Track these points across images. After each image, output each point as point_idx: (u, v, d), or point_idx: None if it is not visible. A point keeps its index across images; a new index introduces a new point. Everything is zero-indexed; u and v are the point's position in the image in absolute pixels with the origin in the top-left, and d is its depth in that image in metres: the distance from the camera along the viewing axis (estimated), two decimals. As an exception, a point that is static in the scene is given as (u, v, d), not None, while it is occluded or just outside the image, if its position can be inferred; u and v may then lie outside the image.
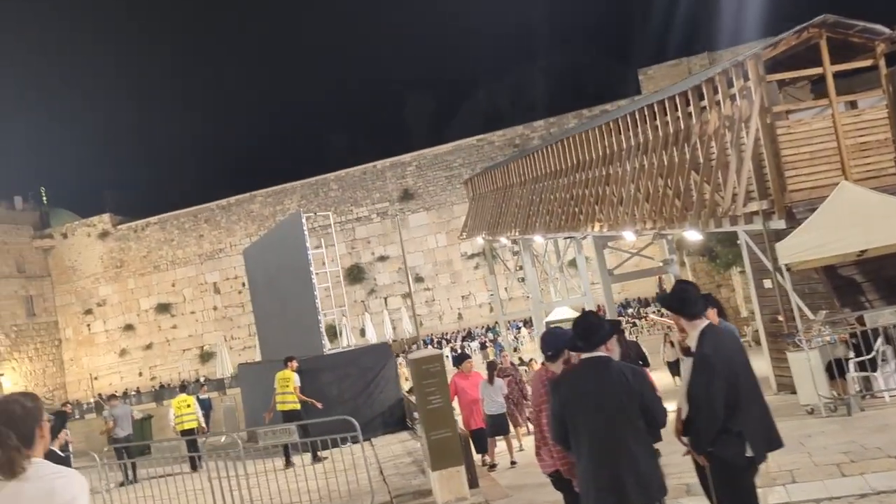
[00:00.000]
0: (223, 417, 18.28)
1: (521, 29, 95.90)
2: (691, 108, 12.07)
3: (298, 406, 11.53)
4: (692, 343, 3.62)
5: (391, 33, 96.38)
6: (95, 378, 53.33)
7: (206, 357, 52.17)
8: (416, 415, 7.56)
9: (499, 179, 24.32)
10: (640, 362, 10.82)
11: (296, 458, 10.85)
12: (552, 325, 25.04)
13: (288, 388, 11.63)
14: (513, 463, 9.10)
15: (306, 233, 13.23)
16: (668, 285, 43.70)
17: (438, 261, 51.02)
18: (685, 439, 3.77)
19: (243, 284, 52.24)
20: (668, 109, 12.92)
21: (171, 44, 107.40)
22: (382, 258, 51.65)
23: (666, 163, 13.00)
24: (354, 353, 14.36)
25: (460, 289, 50.68)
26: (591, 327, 3.63)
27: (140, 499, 10.44)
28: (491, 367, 9.59)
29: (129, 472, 12.37)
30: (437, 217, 51.05)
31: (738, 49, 45.78)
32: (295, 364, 12.02)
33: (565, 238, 22.74)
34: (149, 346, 52.84)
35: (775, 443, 3.81)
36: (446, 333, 48.81)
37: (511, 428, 9.65)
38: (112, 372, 52.92)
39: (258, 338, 17.80)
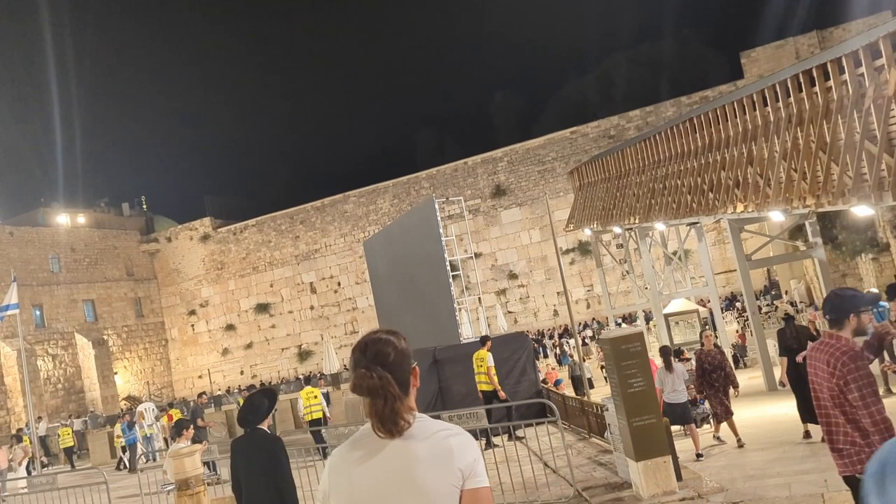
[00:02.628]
0: (345, 410, 18.14)
1: (605, 19, 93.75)
2: (863, 70, 10.95)
3: (492, 386, 11.23)
4: None
5: (474, 30, 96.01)
6: (200, 376, 55.17)
7: (304, 356, 53.15)
8: (608, 408, 6.92)
9: (612, 167, 23.37)
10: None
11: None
12: (678, 313, 23.90)
13: (482, 367, 11.33)
14: (698, 455, 8.34)
15: (439, 218, 12.82)
16: (781, 277, 41.34)
17: (532, 257, 50.21)
18: None
19: (339, 284, 53.08)
20: (830, 73, 11.82)
21: (264, 53, 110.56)
22: (476, 255, 51.17)
23: (829, 135, 11.89)
24: (491, 342, 13.82)
25: (555, 285, 49.64)
26: None
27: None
28: (666, 352, 8.85)
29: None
30: (531, 212, 50.23)
31: (851, 26, 43.04)
32: (489, 343, 11.75)
33: (688, 225, 21.65)
34: (249, 346, 54.25)
35: None
36: (542, 330, 47.90)
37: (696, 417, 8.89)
38: (215, 371, 54.56)
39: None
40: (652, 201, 19.91)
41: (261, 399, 5.03)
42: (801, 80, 12.58)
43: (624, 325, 41.71)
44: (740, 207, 14.65)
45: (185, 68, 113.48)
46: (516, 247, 50.88)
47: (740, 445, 8.47)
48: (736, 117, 15.04)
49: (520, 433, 10.52)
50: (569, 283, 49.28)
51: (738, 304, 40.53)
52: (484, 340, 12.02)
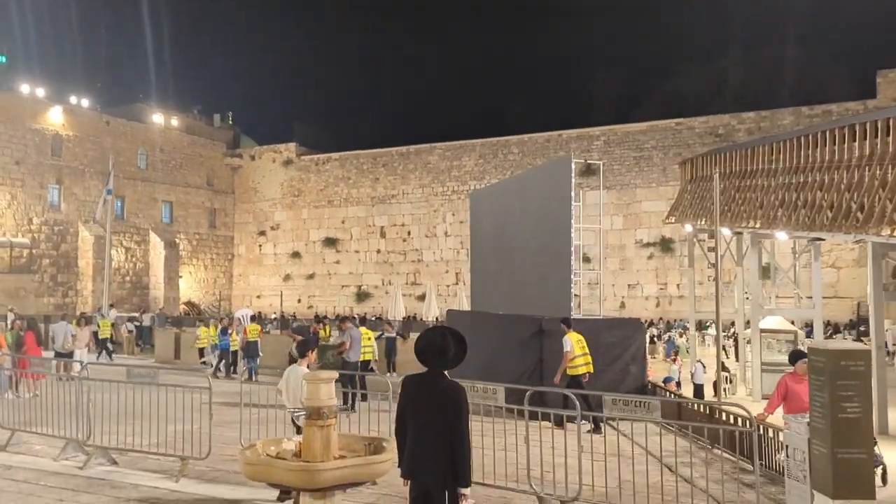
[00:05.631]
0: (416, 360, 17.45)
1: (727, 15, 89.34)
2: None
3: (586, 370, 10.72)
4: None
5: (586, 4, 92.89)
6: (258, 296, 55.91)
7: (362, 296, 53.19)
8: (788, 426, 5.95)
9: (735, 164, 21.80)
10: None
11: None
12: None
13: (586, 349, 10.71)
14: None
15: (573, 181, 11.83)
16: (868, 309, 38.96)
17: (610, 243, 48.61)
18: None
19: (409, 233, 52.63)
20: None
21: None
22: (552, 231, 49.86)
23: None
24: (599, 323, 12.88)
25: (627, 276, 48.09)
26: None
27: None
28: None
29: (350, 400, 11.55)
30: (617, 198, 48.49)
31: None
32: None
33: (810, 240, 20.13)
34: (311, 276, 54.61)
35: None
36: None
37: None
38: (273, 294, 55.13)
39: (471, 286, 16.81)
40: (780, 210, 18.41)
41: (449, 343, 4.25)
42: None
43: (694, 332, 40.04)
44: (898, 231, 13.19)
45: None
46: (594, 230, 49.07)
47: None
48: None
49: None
50: (642, 277, 47.67)
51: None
52: (568, 322, 11.40)
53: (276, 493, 6.89)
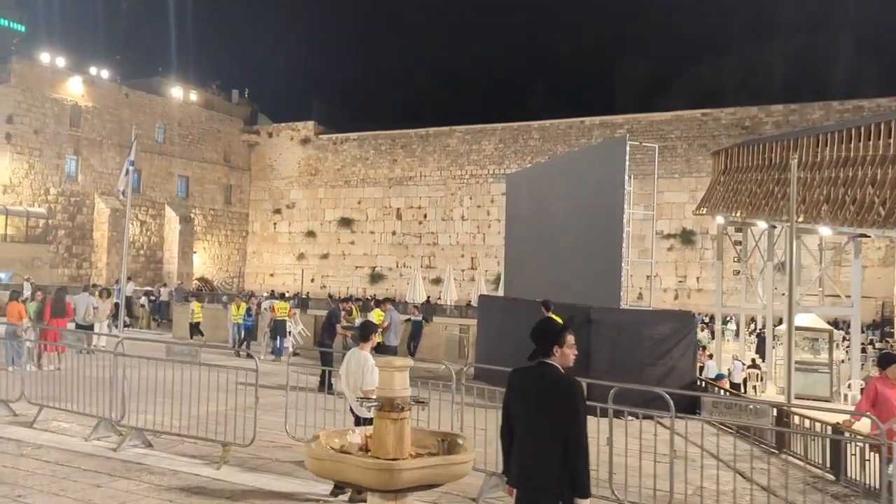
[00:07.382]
0: (443, 344, 17.04)
1: (758, 5, 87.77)
2: None
3: None
4: None
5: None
6: (272, 275, 55.58)
7: (375, 278, 52.79)
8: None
9: (776, 155, 21.16)
10: None
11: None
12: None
13: None
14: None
15: (627, 164, 11.26)
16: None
17: (630, 233, 47.94)
18: None
19: (425, 216, 52.11)
20: None
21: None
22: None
23: None
24: (645, 315, 12.34)
25: (645, 268, 47.30)
26: None
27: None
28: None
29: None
30: (638, 188, 47.38)
31: None
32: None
33: (853, 237, 19.53)
34: (325, 256, 54.22)
35: None
36: (622, 311, 45.97)
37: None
38: (287, 273, 54.82)
39: (504, 272, 16.26)
40: (825, 206, 17.79)
41: (554, 327, 3.74)
42: None
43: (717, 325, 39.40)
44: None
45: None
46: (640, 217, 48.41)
47: None
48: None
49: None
50: (660, 269, 47.00)
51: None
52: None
53: (327, 485, 6.44)
